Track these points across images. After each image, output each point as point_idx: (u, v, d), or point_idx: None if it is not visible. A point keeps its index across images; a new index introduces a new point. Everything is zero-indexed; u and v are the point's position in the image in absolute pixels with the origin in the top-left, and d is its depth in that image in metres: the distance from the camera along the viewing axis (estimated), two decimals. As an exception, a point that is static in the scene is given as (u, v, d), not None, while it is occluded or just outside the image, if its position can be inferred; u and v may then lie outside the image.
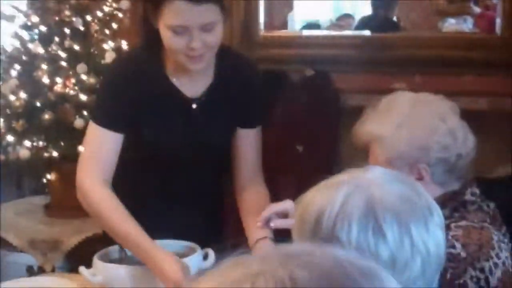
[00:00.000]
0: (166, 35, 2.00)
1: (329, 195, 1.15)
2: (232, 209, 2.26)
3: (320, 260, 0.63)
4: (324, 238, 1.11)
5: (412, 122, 1.77)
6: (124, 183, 2.14)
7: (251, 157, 2.24)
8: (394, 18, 4.29)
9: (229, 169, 2.26)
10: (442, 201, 1.76)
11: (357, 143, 1.89)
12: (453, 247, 1.64)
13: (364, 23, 4.28)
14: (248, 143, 2.23)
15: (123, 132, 2.12)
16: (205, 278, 0.68)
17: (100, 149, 2.12)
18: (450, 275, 1.62)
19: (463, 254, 1.64)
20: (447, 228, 1.70)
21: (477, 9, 4.12)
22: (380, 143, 1.78)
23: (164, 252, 1.92)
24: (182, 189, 2.23)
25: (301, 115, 3.70)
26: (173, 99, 2.14)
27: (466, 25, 4.06)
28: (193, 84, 2.16)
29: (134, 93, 2.11)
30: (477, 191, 1.81)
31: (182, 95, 2.15)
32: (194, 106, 2.15)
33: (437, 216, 1.19)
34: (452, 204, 1.77)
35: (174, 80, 2.14)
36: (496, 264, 1.65)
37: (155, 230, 2.04)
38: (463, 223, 1.72)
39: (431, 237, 1.15)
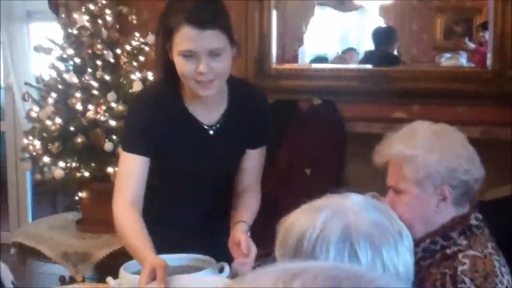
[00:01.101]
0: (178, 62, 2.01)
1: (309, 219, 1.16)
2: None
3: None
4: (304, 258, 1.12)
5: (442, 147, 1.78)
6: (148, 202, 2.16)
7: (253, 171, 2.27)
8: (395, 52, 4.29)
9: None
10: (451, 225, 1.78)
11: (378, 162, 1.89)
12: (464, 282, 1.65)
13: (368, 57, 4.29)
14: (252, 159, 2.26)
15: (148, 156, 2.12)
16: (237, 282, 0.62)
17: (128, 173, 2.13)
18: None
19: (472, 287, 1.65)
20: (454, 256, 1.73)
21: (471, 45, 4.12)
22: (411, 163, 1.77)
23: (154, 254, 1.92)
24: (200, 206, 2.26)
25: (309, 140, 3.70)
26: (191, 127, 2.16)
27: (462, 60, 4.06)
28: (209, 112, 2.17)
29: (155, 123, 2.12)
30: (480, 215, 1.82)
31: (199, 123, 2.16)
32: (211, 132, 2.17)
33: (407, 240, 1.19)
34: (459, 228, 1.77)
35: (191, 110, 2.15)
36: None
37: (175, 245, 2.05)
38: (470, 252, 1.72)
39: (401, 259, 1.16)
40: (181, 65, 2.01)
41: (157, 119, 2.12)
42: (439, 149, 1.78)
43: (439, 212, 1.79)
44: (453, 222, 1.78)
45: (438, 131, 1.83)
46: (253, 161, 2.26)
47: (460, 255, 1.72)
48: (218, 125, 2.18)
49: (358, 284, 0.60)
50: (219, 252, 2.08)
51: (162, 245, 2.00)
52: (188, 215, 2.25)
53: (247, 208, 2.20)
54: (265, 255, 2.10)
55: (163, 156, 2.16)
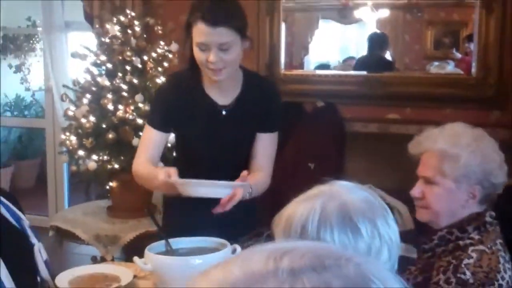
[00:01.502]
0: (195, 51, 2.10)
1: (308, 206, 1.13)
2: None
3: (350, 272, 0.58)
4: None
5: (482, 151, 1.74)
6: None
7: (263, 155, 2.27)
8: (387, 56, 4.25)
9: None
10: (468, 220, 1.75)
11: (413, 151, 1.85)
12: (464, 273, 1.62)
13: (361, 62, 4.26)
14: (262, 143, 2.27)
15: (166, 131, 2.25)
16: (229, 261, 0.60)
17: (147, 142, 2.25)
18: None
19: (471, 280, 1.61)
20: (465, 248, 1.70)
21: (458, 55, 4.09)
22: (453, 161, 1.74)
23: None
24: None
25: (313, 138, 3.70)
26: (207, 106, 2.22)
27: (448, 68, 4.03)
28: (224, 95, 2.23)
29: (177, 102, 2.21)
30: (493, 213, 1.79)
31: (214, 103, 2.22)
32: (223, 112, 2.22)
33: (390, 213, 1.19)
34: (475, 223, 1.75)
35: (209, 92, 2.22)
36: (500, 285, 1.62)
37: (193, 222, 2.07)
38: (480, 247, 1.69)
39: (391, 229, 1.15)
40: (197, 54, 2.10)
41: (178, 99, 2.22)
42: (480, 153, 1.74)
43: (465, 207, 1.76)
44: (470, 218, 1.75)
45: (478, 136, 1.79)
46: (263, 146, 2.26)
47: (470, 248, 1.69)
48: (230, 107, 2.22)
49: (339, 261, 0.60)
50: (230, 225, 2.06)
51: (181, 224, 2.04)
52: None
53: (253, 177, 2.17)
54: (257, 235, 2.09)
55: (182, 131, 2.26)
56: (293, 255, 0.59)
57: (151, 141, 2.25)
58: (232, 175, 2.20)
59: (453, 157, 1.74)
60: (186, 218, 2.17)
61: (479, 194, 1.75)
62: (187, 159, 2.30)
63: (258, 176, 2.22)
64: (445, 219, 1.77)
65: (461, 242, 1.72)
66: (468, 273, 1.62)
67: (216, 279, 0.59)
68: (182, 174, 2.22)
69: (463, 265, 1.64)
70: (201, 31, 2.06)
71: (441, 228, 1.77)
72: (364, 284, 0.58)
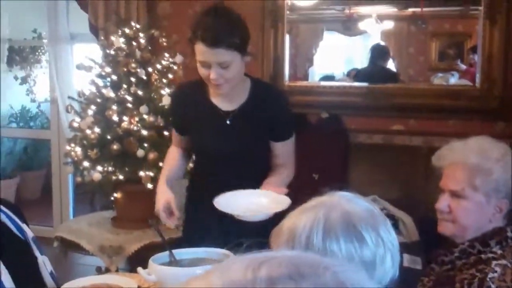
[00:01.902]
0: (198, 67, 2.18)
1: (311, 216, 1.12)
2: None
3: (327, 280, 0.58)
4: (317, 252, 1.07)
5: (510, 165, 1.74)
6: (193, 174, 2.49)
7: (282, 156, 2.34)
8: (391, 67, 4.25)
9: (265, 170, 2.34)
10: (491, 234, 1.74)
11: (438, 164, 1.82)
12: (489, 287, 1.62)
13: (364, 73, 4.25)
14: (278, 149, 2.34)
15: (182, 134, 2.43)
16: (211, 270, 0.61)
17: (174, 138, 2.50)
18: None
19: None
20: (488, 262, 1.68)
21: (463, 66, 4.10)
22: (486, 175, 1.72)
23: (164, 186, 2.27)
24: (223, 182, 2.24)
25: (318, 149, 3.70)
26: (212, 113, 2.29)
27: (451, 79, 4.04)
28: (229, 102, 2.29)
29: (184, 110, 2.34)
30: None
31: (219, 110, 2.29)
32: (227, 119, 2.28)
33: (388, 220, 1.19)
34: (498, 238, 1.74)
35: (214, 99, 2.30)
36: None
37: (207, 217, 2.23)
38: (502, 261, 1.68)
39: (392, 236, 1.15)
40: (199, 70, 2.19)
41: (186, 107, 2.34)
42: (510, 167, 1.73)
43: (492, 222, 1.74)
44: (492, 232, 1.74)
45: (505, 150, 1.77)
46: (280, 151, 2.35)
47: (493, 262, 1.67)
48: (235, 113, 2.28)
49: (317, 270, 0.60)
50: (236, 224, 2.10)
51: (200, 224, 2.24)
52: (213, 193, 2.21)
53: (275, 174, 2.29)
54: (237, 245, 2.07)
55: (192, 136, 2.38)
56: (271, 264, 0.60)
57: (176, 138, 2.49)
58: (236, 171, 2.28)
59: (486, 171, 1.72)
60: (205, 224, 2.29)
61: (506, 208, 1.74)
62: (201, 162, 2.42)
63: (281, 172, 2.32)
64: (471, 232, 1.75)
65: (483, 256, 1.71)
66: (493, 287, 1.61)
67: None
68: (200, 178, 2.39)
69: (488, 279, 1.63)
70: (200, 51, 2.12)
71: (463, 241, 1.75)
72: None
